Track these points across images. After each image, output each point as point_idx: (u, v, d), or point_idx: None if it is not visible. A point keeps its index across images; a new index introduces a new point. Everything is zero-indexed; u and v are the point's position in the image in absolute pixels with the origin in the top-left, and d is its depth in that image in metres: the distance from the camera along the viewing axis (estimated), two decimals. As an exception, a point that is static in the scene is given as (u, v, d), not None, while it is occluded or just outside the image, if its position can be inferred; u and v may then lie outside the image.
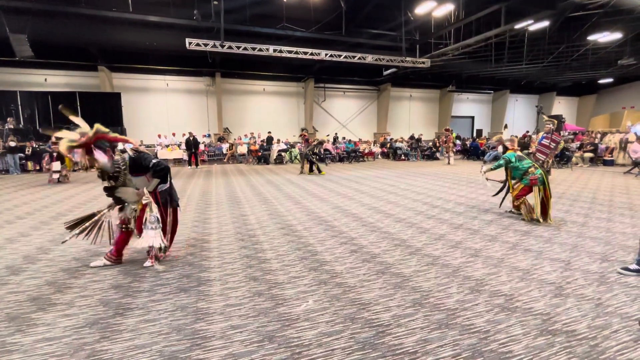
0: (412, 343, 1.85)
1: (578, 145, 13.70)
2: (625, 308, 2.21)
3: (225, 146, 16.49)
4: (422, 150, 17.06)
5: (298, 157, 15.55)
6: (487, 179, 4.94)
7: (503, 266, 2.92)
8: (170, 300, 2.37)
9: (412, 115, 22.72)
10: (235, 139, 17.34)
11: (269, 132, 16.93)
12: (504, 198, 5.06)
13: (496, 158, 15.06)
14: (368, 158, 16.72)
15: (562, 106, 25.20)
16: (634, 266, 2.75)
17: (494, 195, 5.39)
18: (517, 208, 4.66)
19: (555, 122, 8.98)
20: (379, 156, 17.61)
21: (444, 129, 15.65)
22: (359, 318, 2.11)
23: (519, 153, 4.62)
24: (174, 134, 16.38)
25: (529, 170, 4.38)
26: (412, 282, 2.63)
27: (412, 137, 18.51)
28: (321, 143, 11.58)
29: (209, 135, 17.90)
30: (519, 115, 24.87)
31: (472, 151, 16.74)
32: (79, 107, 14.57)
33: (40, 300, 2.38)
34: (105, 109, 15.13)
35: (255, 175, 10.27)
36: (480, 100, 24.44)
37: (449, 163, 13.58)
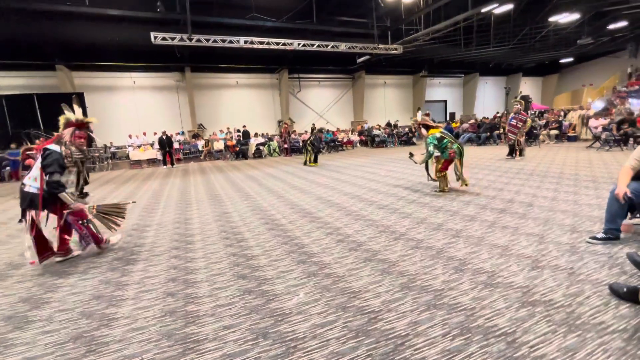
0: (404, 326, 1.91)
1: (544, 123, 14.38)
2: (595, 275, 2.37)
3: (200, 143, 16.05)
4: (399, 136, 17.34)
5: (277, 150, 15.39)
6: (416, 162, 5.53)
7: (483, 244, 3.04)
8: (157, 306, 2.31)
9: (387, 101, 22.97)
10: (210, 135, 16.90)
11: (244, 126, 16.61)
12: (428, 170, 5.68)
13: (470, 140, 15.51)
14: (347, 147, 16.82)
15: (527, 86, 26.27)
16: (600, 235, 2.94)
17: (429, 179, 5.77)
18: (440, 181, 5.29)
19: (523, 102, 9.40)
20: (358, 144, 17.75)
21: (425, 114, 15.93)
22: (350, 306, 2.14)
23: (437, 133, 5.11)
24: (144, 134, 15.74)
25: (448, 145, 4.99)
26: (399, 266, 2.69)
27: (388, 124, 18.74)
28: (320, 131, 11.47)
29: (183, 133, 17.34)
30: (489, 96, 25.72)
31: (447, 134, 17.19)
32: (37, 110, 13.63)
33: (16, 318, 2.25)
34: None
35: (234, 171, 10.09)
36: (452, 84, 25.04)
37: (425, 147, 13.88)
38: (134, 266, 3.05)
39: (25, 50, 13.43)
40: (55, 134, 3.18)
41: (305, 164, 10.39)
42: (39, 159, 2.97)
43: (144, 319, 2.15)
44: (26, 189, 2.94)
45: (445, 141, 5.01)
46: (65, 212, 3.09)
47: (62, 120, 3.12)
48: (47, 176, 2.88)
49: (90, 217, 3.28)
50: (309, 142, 10.46)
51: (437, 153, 5.09)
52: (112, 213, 3.44)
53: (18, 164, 11.11)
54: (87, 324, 2.12)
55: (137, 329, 2.04)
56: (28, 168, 7.54)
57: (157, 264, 3.06)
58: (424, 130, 5.35)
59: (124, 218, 3.55)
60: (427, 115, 14.54)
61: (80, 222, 3.19)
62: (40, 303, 2.45)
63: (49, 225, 3.24)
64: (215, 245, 3.47)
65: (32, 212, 2.94)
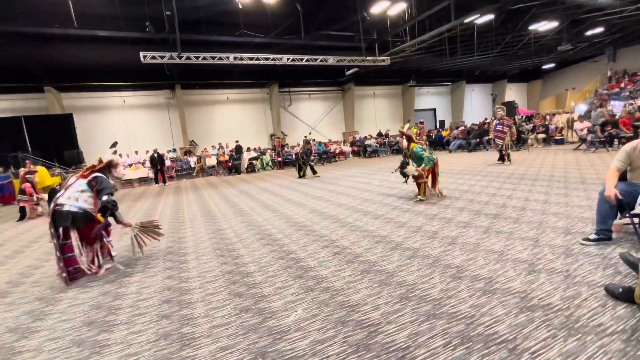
0: (404, 338, 1.88)
1: (531, 127, 14.69)
2: (591, 276, 2.38)
3: (192, 160, 15.98)
4: (390, 145, 17.51)
5: (270, 163, 15.39)
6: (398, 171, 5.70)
7: (479, 251, 3.05)
8: (151, 329, 2.24)
9: (378, 112, 23.28)
10: (202, 151, 16.85)
11: (237, 142, 16.62)
12: (406, 178, 5.74)
13: (460, 146, 15.71)
14: (340, 158, 16.90)
15: (513, 92, 26.94)
16: (593, 236, 2.97)
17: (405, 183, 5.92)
18: (420, 188, 5.46)
19: (505, 108, 9.66)
20: (350, 155, 17.85)
21: (419, 122, 16.10)
22: (349, 320, 2.11)
23: (419, 145, 5.53)
24: (136, 152, 15.63)
25: (430, 156, 5.33)
26: (397, 277, 2.67)
27: (379, 134, 18.94)
28: (308, 142, 11.52)
29: (175, 150, 17.26)
30: (476, 103, 26.27)
31: (437, 142, 17.43)
32: (26, 133, 13.47)
33: (2, 350, 2.17)
34: (57, 132, 14.08)
35: (227, 187, 10.03)
36: (440, 92, 25.55)
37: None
38: (126, 289, 2.97)
39: (13, 72, 13.38)
40: (95, 164, 3.54)
41: (302, 177, 10.34)
42: (77, 184, 3.33)
43: (138, 344, 2.09)
44: (65, 208, 3.21)
45: (427, 152, 5.41)
46: (101, 230, 3.41)
47: (106, 159, 3.58)
48: (106, 196, 3.27)
49: (135, 230, 3.66)
50: (299, 155, 10.52)
51: (418, 164, 5.35)
52: (152, 227, 3.83)
53: (6, 188, 10.89)
54: (78, 352, 2.05)
55: (130, 355, 1.98)
56: (23, 192, 7.47)
57: (150, 286, 2.99)
58: (404, 142, 5.57)
59: (160, 228, 3.93)
60: (422, 123, 14.81)
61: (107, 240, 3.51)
62: (29, 332, 2.36)
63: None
64: (210, 264, 3.41)
65: (71, 230, 3.24)
